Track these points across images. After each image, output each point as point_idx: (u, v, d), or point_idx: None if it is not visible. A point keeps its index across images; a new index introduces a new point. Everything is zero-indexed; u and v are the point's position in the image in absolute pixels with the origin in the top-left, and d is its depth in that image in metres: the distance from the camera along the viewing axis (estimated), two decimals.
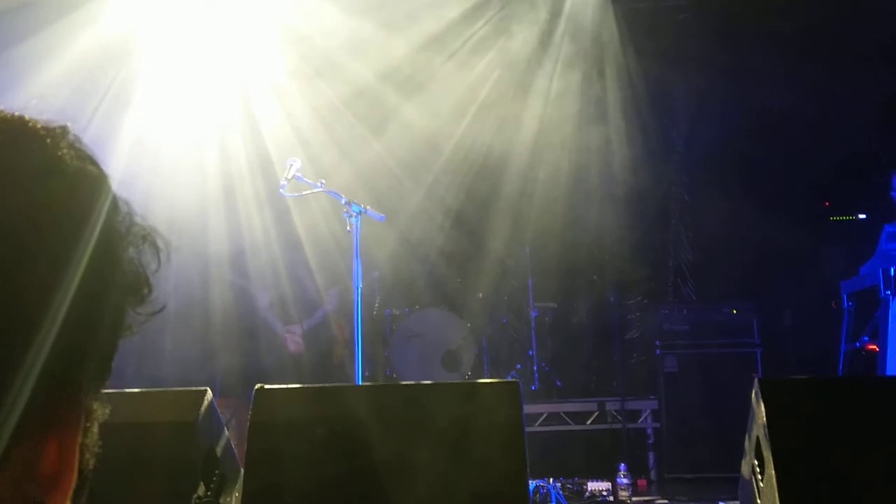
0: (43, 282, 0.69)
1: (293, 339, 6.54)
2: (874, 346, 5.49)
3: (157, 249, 0.79)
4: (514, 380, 3.31)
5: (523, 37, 7.89)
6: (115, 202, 0.77)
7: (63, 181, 0.73)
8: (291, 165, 5.13)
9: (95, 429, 0.80)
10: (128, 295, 0.77)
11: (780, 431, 2.93)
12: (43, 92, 5.91)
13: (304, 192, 5.28)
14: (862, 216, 8.24)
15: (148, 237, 0.79)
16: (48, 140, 0.75)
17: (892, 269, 4.87)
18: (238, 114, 6.99)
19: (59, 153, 0.74)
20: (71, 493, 0.76)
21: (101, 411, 0.80)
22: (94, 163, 0.77)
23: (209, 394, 3.27)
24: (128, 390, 3.36)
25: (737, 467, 3.46)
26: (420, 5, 7.19)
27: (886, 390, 3.40)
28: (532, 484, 4.72)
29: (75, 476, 0.76)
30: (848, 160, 7.45)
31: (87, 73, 6.24)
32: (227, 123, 6.93)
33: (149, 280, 0.78)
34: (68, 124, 0.77)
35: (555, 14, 7.90)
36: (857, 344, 5.71)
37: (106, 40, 6.32)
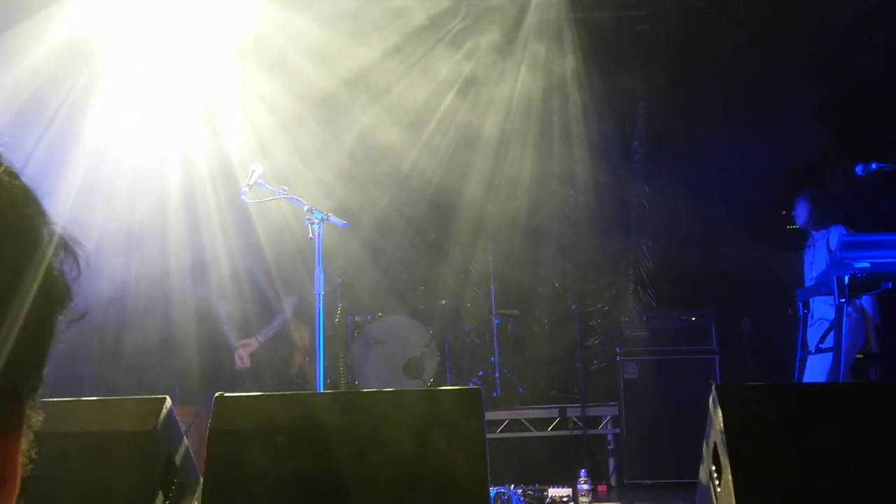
0: None
1: (240, 355, 6.49)
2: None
3: (75, 257, 0.80)
4: (475, 387, 3.32)
5: (485, 47, 7.94)
6: (44, 215, 0.78)
7: None
8: (253, 172, 5.10)
9: (31, 436, 0.80)
10: (58, 305, 0.78)
11: (736, 437, 2.96)
12: None
13: (265, 199, 5.25)
14: None
15: (67, 246, 0.80)
16: None
17: (847, 278, 4.96)
18: (199, 120, 6.93)
19: None
20: (14, 500, 0.77)
21: (35, 418, 0.81)
22: (19, 176, 0.78)
23: (168, 402, 3.24)
24: (85, 399, 3.32)
25: (696, 473, 3.50)
26: (383, 15, 7.20)
27: (842, 396, 3.46)
28: (493, 490, 4.74)
29: (19, 483, 0.77)
30: (804, 170, 7.57)
31: (44, 80, 6.16)
32: (188, 130, 6.87)
33: (71, 289, 0.80)
34: None
35: (516, 25, 7.95)
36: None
37: (65, 46, 6.25)
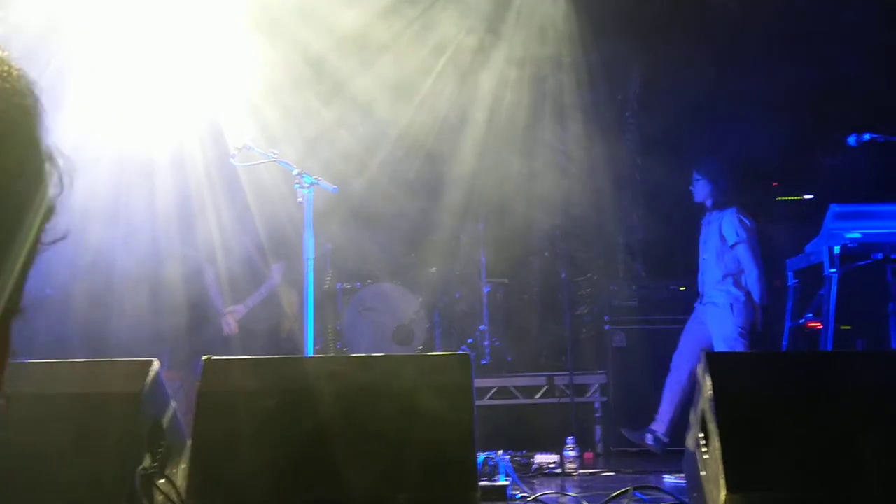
0: None
1: (227, 321, 6.47)
2: (817, 324, 5.61)
3: (60, 172, 0.73)
4: (465, 353, 3.32)
5: (478, 11, 7.85)
6: (43, 123, 0.71)
7: None
8: (242, 135, 5.05)
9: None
10: (44, 222, 0.72)
11: (724, 404, 2.98)
12: None
13: (254, 163, 5.21)
14: (808, 196, 8.39)
15: (53, 159, 0.73)
16: None
17: (837, 248, 4.97)
18: (188, 82, 6.84)
19: None
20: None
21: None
22: (23, 80, 0.72)
23: (156, 364, 3.23)
24: (73, 360, 3.31)
25: (682, 442, 3.52)
26: None
27: (827, 365, 3.48)
28: (481, 456, 4.75)
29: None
30: (795, 141, 7.56)
31: (26, 45, 6.05)
32: (176, 93, 6.78)
33: (55, 206, 0.72)
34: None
35: None
36: (801, 321, 5.84)
37: (49, 9, 6.14)
